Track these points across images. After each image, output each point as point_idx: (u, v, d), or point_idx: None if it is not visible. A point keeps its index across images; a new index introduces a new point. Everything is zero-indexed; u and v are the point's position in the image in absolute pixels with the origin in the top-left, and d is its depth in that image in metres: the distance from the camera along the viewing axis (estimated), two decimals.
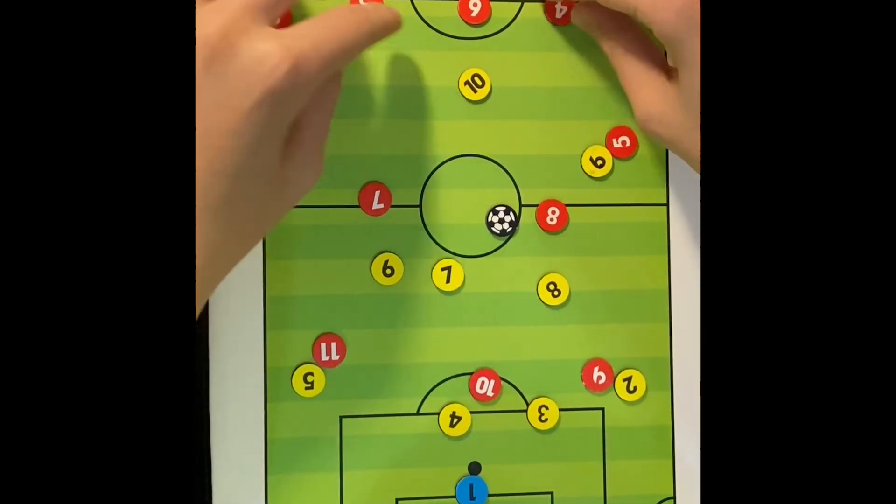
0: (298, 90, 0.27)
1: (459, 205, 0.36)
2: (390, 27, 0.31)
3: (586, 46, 0.37)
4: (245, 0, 0.27)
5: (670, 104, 0.32)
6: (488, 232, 0.36)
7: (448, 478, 0.36)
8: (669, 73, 0.33)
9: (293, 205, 0.31)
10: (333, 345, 0.35)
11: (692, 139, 0.32)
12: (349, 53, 0.29)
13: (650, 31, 0.31)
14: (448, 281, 0.36)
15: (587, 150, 0.36)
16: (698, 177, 0.36)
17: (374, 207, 0.35)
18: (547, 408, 0.36)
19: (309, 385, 0.35)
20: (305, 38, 0.27)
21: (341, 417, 0.35)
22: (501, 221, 0.36)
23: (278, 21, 0.29)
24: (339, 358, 0.35)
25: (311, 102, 0.30)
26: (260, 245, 0.35)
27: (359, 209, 0.35)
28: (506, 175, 0.36)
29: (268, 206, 0.29)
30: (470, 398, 0.36)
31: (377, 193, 0.35)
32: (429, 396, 0.36)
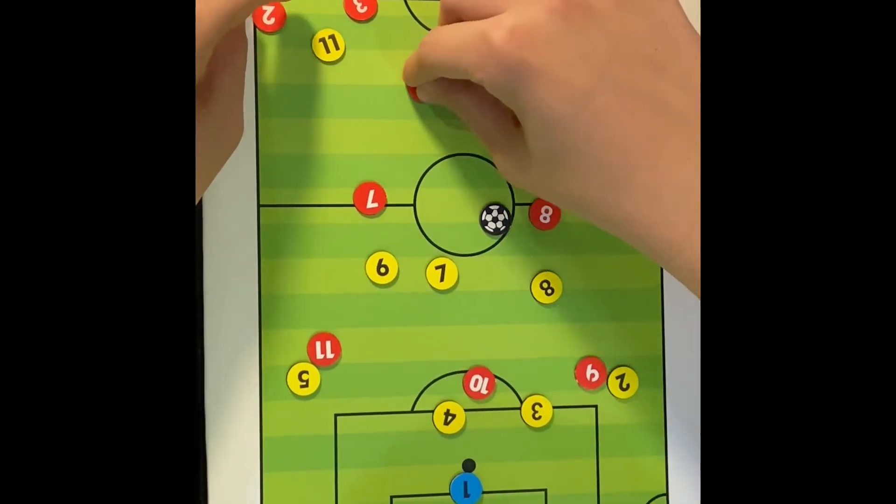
0: (196, 47, 0.27)
1: (453, 204, 0.36)
2: None
3: None
4: None
5: (520, 159, 0.31)
6: (482, 231, 0.36)
7: (442, 475, 0.36)
8: (512, 131, 0.32)
9: (221, 166, 0.31)
10: (328, 343, 0.35)
11: (546, 189, 0.31)
12: (245, 6, 0.29)
13: None
14: (442, 279, 0.36)
15: None
16: None
17: (368, 206, 0.35)
18: (540, 405, 0.36)
19: (304, 383, 0.35)
20: None
21: (336, 416, 0.35)
22: (495, 220, 0.36)
23: None
24: (333, 356, 0.35)
25: (218, 62, 0.30)
26: (255, 244, 0.35)
27: (353, 208, 0.35)
28: (499, 174, 0.36)
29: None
30: (464, 396, 0.36)
31: (371, 193, 0.35)
32: (423, 394, 0.36)
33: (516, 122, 0.31)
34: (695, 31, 0.30)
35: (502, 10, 0.28)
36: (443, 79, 0.33)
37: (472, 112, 0.33)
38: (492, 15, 0.29)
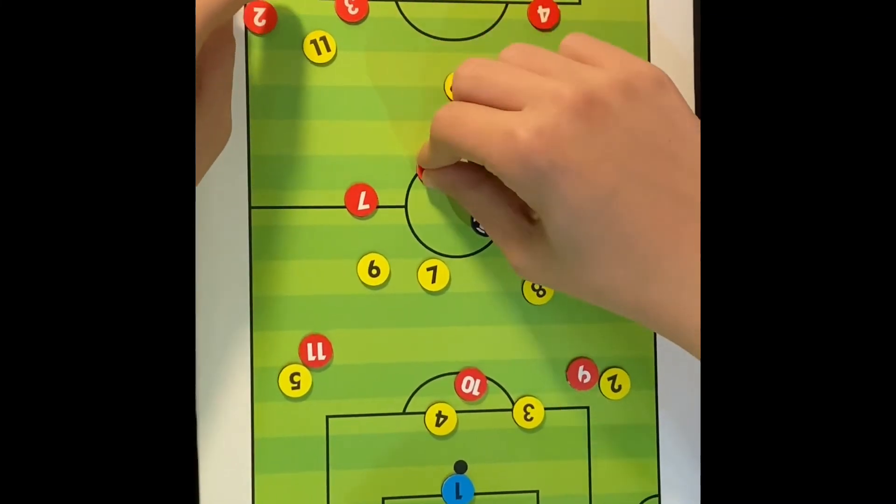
0: None
1: (445, 205, 0.36)
2: None
3: None
4: None
5: (540, 254, 0.31)
6: (474, 232, 0.36)
7: (434, 477, 0.36)
8: (528, 228, 0.32)
9: (210, 164, 0.31)
10: (320, 345, 0.35)
11: (569, 282, 0.31)
12: (229, 5, 0.29)
13: None
14: (434, 281, 0.36)
15: None
16: None
17: (359, 208, 0.35)
18: (532, 407, 0.36)
19: (296, 385, 0.35)
20: None
21: (328, 417, 0.35)
22: None
23: None
24: (325, 358, 0.35)
25: (207, 61, 0.30)
26: (246, 245, 0.35)
27: (345, 210, 0.35)
28: None
29: None
30: (456, 397, 0.36)
31: (363, 194, 0.35)
32: (415, 396, 0.36)
33: (530, 219, 0.32)
34: (695, 117, 0.30)
35: (520, 105, 0.29)
36: (454, 174, 0.33)
37: (485, 208, 0.33)
38: (508, 108, 0.29)
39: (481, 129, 0.29)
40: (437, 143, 0.31)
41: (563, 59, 0.30)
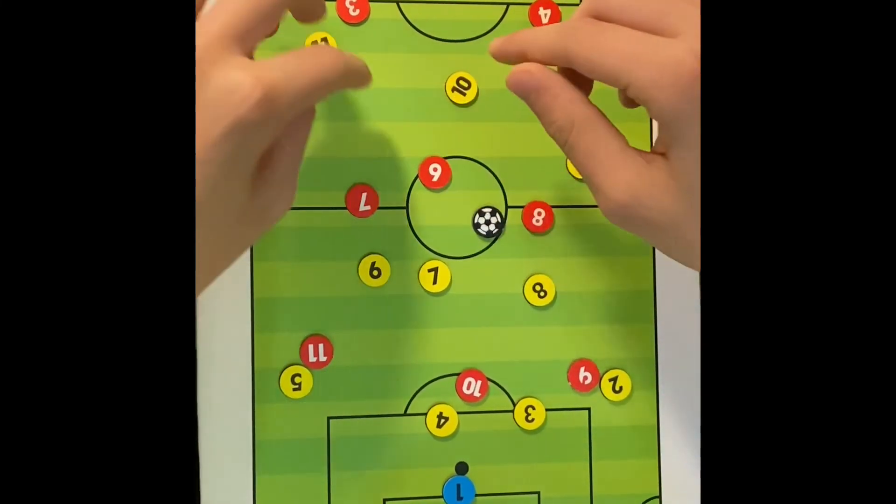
0: (269, 121, 0.26)
1: (446, 206, 0.36)
2: (364, 76, 0.31)
3: None
4: (218, 29, 0.27)
5: (660, 187, 0.28)
6: (475, 233, 0.36)
7: (435, 478, 0.36)
8: (645, 155, 0.29)
9: (263, 234, 0.30)
10: (321, 346, 0.35)
11: (685, 224, 0.28)
12: (323, 89, 0.29)
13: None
14: (435, 282, 0.36)
15: None
16: None
17: (360, 209, 0.35)
18: (533, 408, 0.36)
19: (297, 386, 0.35)
20: (278, 70, 0.27)
21: (329, 418, 0.35)
22: (488, 223, 0.36)
23: (253, 51, 0.28)
24: (326, 359, 0.35)
25: (284, 133, 0.29)
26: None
27: (346, 211, 0.35)
28: (492, 177, 0.36)
29: (236, 234, 0.29)
30: (457, 399, 0.36)
31: (364, 195, 0.35)
32: (416, 397, 0.36)
33: (639, 152, 0.29)
34: None
35: (676, 32, 0.27)
36: (565, 76, 0.29)
37: (581, 132, 0.29)
38: (659, 33, 0.27)
39: (635, 52, 0.27)
40: (568, 51, 0.28)
41: None
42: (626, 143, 0.29)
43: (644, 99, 0.27)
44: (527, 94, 0.30)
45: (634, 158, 0.29)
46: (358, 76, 0.31)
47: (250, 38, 0.28)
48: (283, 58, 0.28)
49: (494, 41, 0.31)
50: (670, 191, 0.28)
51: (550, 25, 0.29)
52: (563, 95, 0.29)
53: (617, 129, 0.29)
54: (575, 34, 0.28)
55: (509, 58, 0.30)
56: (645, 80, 0.27)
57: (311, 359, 0.35)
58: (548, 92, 0.29)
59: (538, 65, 0.29)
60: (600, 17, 0.29)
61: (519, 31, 0.30)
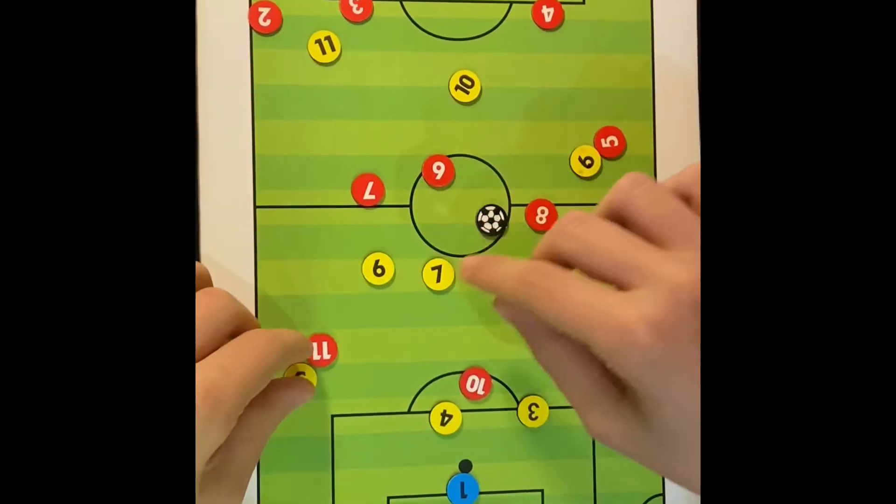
0: (212, 422, 0.26)
1: (450, 205, 0.36)
2: (303, 349, 0.32)
3: (574, 47, 0.37)
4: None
5: (629, 426, 0.28)
6: (478, 231, 0.36)
7: (439, 476, 0.36)
8: (620, 386, 0.28)
9: None
10: (325, 344, 0.35)
11: (661, 464, 0.28)
12: (264, 376, 0.29)
13: None
14: (438, 280, 0.36)
15: (576, 150, 0.37)
16: None
17: (365, 197, 0.35)
18: (537, 406, 0.36)
19: None
20: (216, 367, 0.27)
21: (333, 416, 0.35)
22: (491, 221, 0.36)
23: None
24: (330, 357, 0.35)
25: (241, 434, 0.29)
26: (251, 245, 0.35)
27: (350, 209, 0.35)
28: (496, 175, 0.37)
29: None
30: (461, 396, 0.36)
31: (370, 184, 0.35)
32: (420, 395, 0.36)
33: (620, 385, 0.28)
34: None
35: (631, 285, 0.26)
36: (534, 319, 0.29)
37: (568, 367, 0.29)
38: (616, 284, 0.26)
39: (588, 311, 0.26)
40: (525, 304, 0.27)
41: (685, 215, 0.27)
42: (602, 379, 0.28)
43: (605, 360, 0.26)
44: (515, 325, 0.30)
45: (606, 393, 0.28)
46: (296, 348, 0.31)
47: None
48: (220, 352, 0.28)
49: (468, 263, 0.30)
50: (637, 434, 0.28)
51: (516, 265, 0.28)
52: (545, 344, 0.29)
53: (590, 356, 0.28)
54: (533, 285, 0.27)
55: (479, 287, 0.30)
56: (601, 346, 0.26)
57: (315, 357, 0.35)
58: (530, 343, 0.30)
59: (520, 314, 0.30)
60: (565, 257, 0.28)
61: (490, 263, 0.29)
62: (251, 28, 0.35)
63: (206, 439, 0.27)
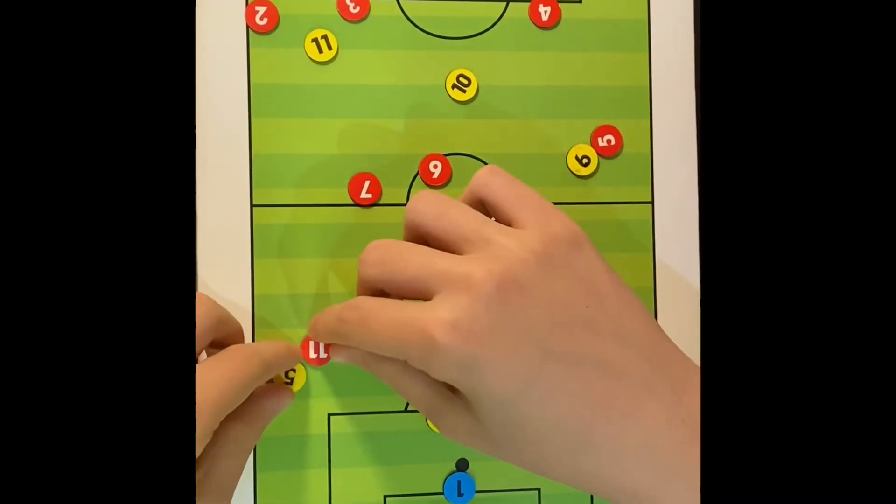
0: None
1: None
2: (284, 359, 0.32)
3: (571, 46, 0.37)
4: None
5: (466, 424, 0.29)
6: None
7: (436, 474, 0.36)
8: (452, 387, 0.30)
9: None
10: (321, 343, 0.35)
11: (501, 454, 0.29)
12: (239, 392, 0.29)
13: None
14: None
15: (573, 149, 0.37)
16: (683, 175, 0.36)
17: (362, 196, 0.35)
18: None
19: (289, 381, 0.35)
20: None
21: (329, 415, 0.35)
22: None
23: None
24: (327, 356, 0.35)
25: (221, 449, 0.30)
26: (248, 244, 0.35)
27: (346, 208, 0.35)
28: None
29: None
30: None
31: (367, 183, 0.35)
32: None
33: (452, 388, 0.30)
34: (613, 274, 0.29)
35: (431, 294, 0.28)
36: (364, 350, 0.31)
37: (403, 381, 0.31)
38: (420, 297, 0.28)
39: (395, 329, 0.28)
40: (350, 341, 0.30)
41: (475, 219, 0.29)
42: (436, 385, 0.30)
43: (422, 369, 0.28)
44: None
45: (441, 408, 0.30)
46: (280, 364, 0.32)
47: None
48: (197, 370, 0.28)
49: (309, 330, 0.33)
50: (474, 430, 0.29)
51: (334, 308, 0.31)
52: (380, 367, 0.31)
53: (424, 374, 0.30)
54: (348, 320, 0.29)
55: (318, 340, 0.33)
56: (413, 358, 0.27)
57: (312, 355, 0.35)
58: (369, 370, 0.32)
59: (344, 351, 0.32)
60: (375, 285, 0.29)
61: (317, 316, 0.32)
62: (248, 27, 0.35)
63: None
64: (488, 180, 0.30)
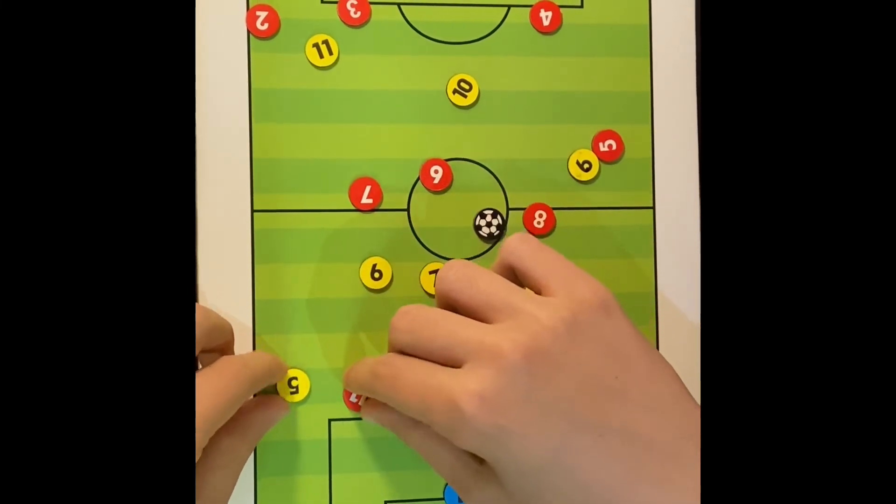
0: None
1: (447, 209, 0.36)
2: (274, 372, 0.32)
3: (572, 51, 0.37)
4: None
5: (493, 495, 0.29)
6: (476, 236, 0.36)
7: (437, 480, 0.36)
8: (479, 458, 0.30)
9: None
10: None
11: None
12: (229, 406, 0.29)
13: None
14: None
15: (574, 154, 0.37)
16: (684, 180, 0.36)
17: (363, 201, 0.35)
18: None
19: (295, 389, 0.35)
20: None
21: (330, 420, 0.35)
22: (489, 225, 0.36)
23: None
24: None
25: (213, 462, 0.30)
26: (248, 249, 0.35)
27: (347, 213, 0.35)
28: (493, 179, 0.36)
29: None
30: None
31: (368, 188, 0.35)
32: None
33: (479, 459, 0.30)
34: (642, 338, 0.29)
35: (460, 362, 0.28)
36: (396, 415, 0.32)
37: (430, 449, 0.31)
38: (449, 363, 0.28)
39: (423, 393, 0.28)
40: (378, 396, 0.31)
41: (504, 288, 0.29)
42: (464, 456, 0.30)
43: (443, 435, 0.28)
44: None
45: (469, 479, 0.30)
46: (265, 373, 0.32)
47: None
48: None
49: (344, 380, 0.34)
50: (498, 498, 0.29)
51: (369, 362, 0.31)
52: (410, 433, 0.32)
53: (452, 444, 0.29)
54: (380, 376, 0.30)
55: (352, 390, 0.34)
56: (438, 425, 0.28)
57: (353, 399, 0.35)
58: (399, 436, 0.33)
59: (375, 408, 0.33)
60: (405, 351, 0.30)
61: (351, 368, 0.33)
62: (249, 32, 0.35)
63: None
64: (516, 247, 0.30)
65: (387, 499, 0.36)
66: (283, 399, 0.34)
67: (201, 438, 0.28)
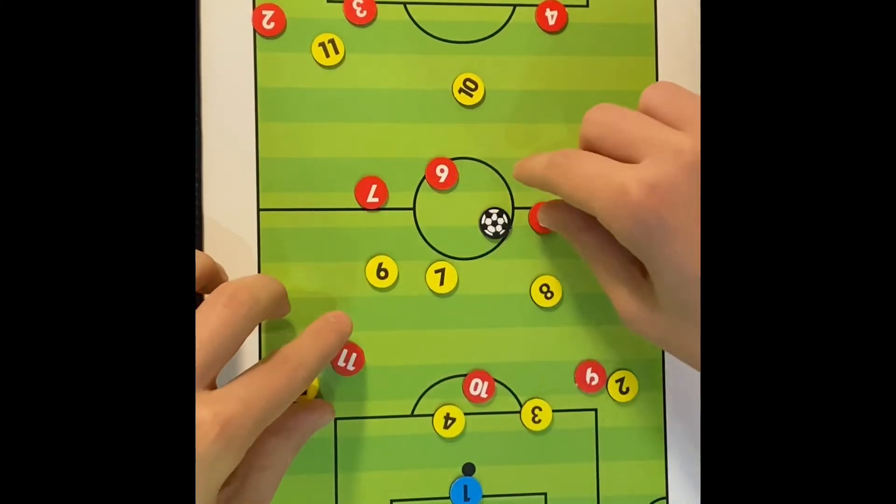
0: (228, 454, 0.27)
1: (453, 207, 0.36)
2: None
3: (578, 50, 0.37)
4: None
5: (648, 308, 0.30)
6: (482, 234, 0.36)
7: (442, 479, 0.36)
8: (642, 269, 0.31)
9: None
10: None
11: (679, 339, 0.30)
12: (280, 407, 0.29)
13: None
14: (442, 283, 0.36)
15: None
16: None
17: (369, 200, 0.35)
18: (540, 409, 0.36)
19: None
20: (236, 400, 0.27)
21: (336, 419, 0.35)
22: (495, 224, 0.36)
23: (213, 381, 0.29)
24: (354, 369, 0.35)
25: (256, 463, 0.30)
26: (255, 247, 0.35)
27: (353, 212, 0.35)
28: (499, 178, 0.37)
29: None
30: (464, 399, 0.36)
31: (374, 187, 0.35)
32: (423, 398, 0.36)
33: (643, 270, 0.31)
34: None
35: (641, 157, 0.28)
36: (569, 215, 0.33)
37: (597, 251, 0.32)
38: (629, 159, 0.28)
39: (593, 180, 0.28)
40: (548, 187, 0.31)
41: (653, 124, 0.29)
42: (629, 264, 0.31)
43: (606, 226, 0.29)
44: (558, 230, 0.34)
45: (630, 278, 0.31)
46: (323, 361, 0.31)
47: (208, 373, 0.28)
48: (239, 383, 0.28)
49: (515, 168, 0.34)
50: (656, 308, 0.30)
51: (546, 154, 0.32)
52: (579, 235, 0.33)
53: (620, 249, 0.31)
54: (555, 165, 0.30)
55: (523, 182, 0.33)
56: (599, 209, 0.28)
57: (341, 363, 0.35)
58: (568, 239, 0.34)
59: (555, 204, 0.34)
60: (592, 143, 0.30)
61: (527, 158, 0.33)
62: (255, 31, 0.35)
63: (215, 470, 0.27)
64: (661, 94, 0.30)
65: (393, 497, 0.36)
66: (329, 404, 0.34)
67: (251, 437, 0.27)
